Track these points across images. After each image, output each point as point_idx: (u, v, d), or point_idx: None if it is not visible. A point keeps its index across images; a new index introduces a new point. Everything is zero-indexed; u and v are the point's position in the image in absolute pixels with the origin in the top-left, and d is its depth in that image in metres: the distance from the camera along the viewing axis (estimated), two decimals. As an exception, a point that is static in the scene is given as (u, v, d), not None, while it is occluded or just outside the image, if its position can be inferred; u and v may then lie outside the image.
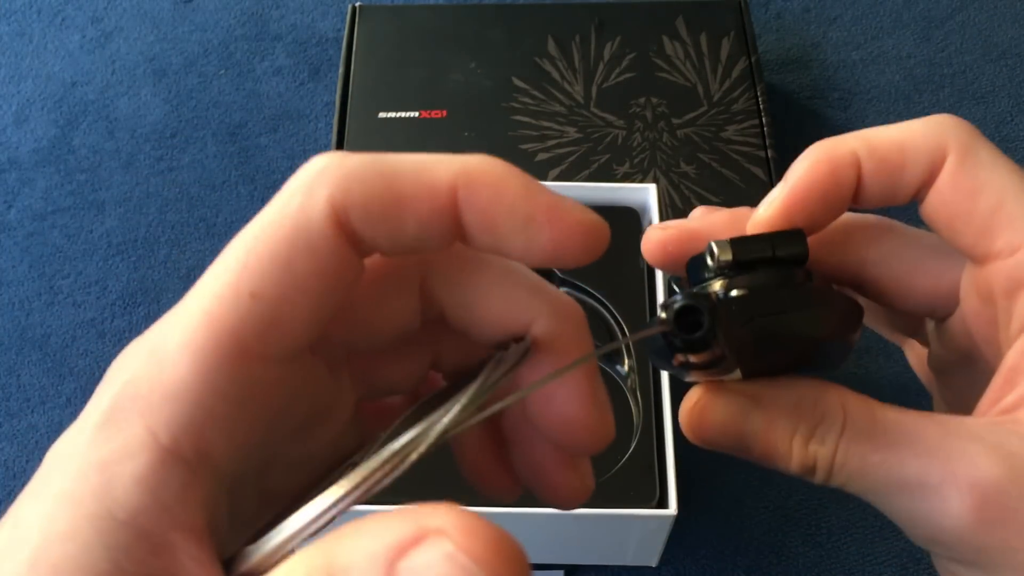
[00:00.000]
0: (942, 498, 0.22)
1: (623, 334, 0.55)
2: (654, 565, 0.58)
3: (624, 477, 0.51)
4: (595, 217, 0.20)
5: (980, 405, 0.25)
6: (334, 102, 0.74)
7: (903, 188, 0.25)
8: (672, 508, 0.48)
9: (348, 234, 0.19)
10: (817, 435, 0.24)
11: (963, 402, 0.27)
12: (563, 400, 0.22)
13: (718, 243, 0.24)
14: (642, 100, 0.73)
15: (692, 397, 0.26)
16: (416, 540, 0.16)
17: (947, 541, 0.23)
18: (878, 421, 0.24)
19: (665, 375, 0.51)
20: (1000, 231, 0.23)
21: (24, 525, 0.18)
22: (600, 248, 0.20)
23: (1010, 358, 0.24)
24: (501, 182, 0.20)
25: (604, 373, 0.56)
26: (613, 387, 0.56)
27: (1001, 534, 0.21)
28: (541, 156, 0.70)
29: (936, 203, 0.24)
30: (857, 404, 0.24)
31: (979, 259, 0.24)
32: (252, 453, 0.20)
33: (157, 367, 0.18)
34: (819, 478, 0.24)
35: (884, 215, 0.27)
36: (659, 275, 0.56)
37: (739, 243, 0.24)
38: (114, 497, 0.17)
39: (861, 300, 0.27)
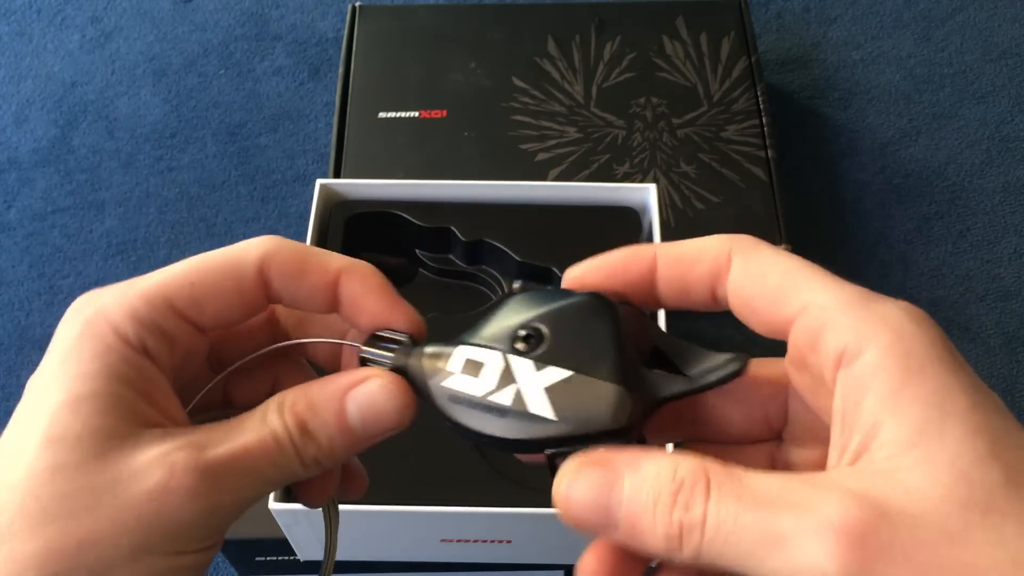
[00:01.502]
0: (821, 544, 0.21)
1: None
2: (654, 565, 0.58)
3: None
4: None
5: (830, 459, 0.25)
6: (334, 102, 0.74)
7: (696, 281, 0.28)
8: (672, 508, 0.48)
9: (265, 280, 0.29)
10: (680, 501, 0.24)
11: None
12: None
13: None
14: (642, 100, 0.73)
15: (560, 475, 0.26)
16: (362, 380, 0.28)
17: None
18: (743, 483, 0.23)
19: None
20: (789, 298, 0.26)
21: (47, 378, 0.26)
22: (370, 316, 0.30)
23: (838, 404, 0.25)
24: (370, 275, 0.29)
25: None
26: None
27: (884, 572, 0.21)
28: (541, 156, 0.70)
29: (734, 293, 0.28)
30: (719, 468, 0.24)
31: (780, 328, 0.27)
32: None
33: (130, 299, 0.27)
34: (687, 552, 0.23)
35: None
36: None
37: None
38: (115, 355, 0.26)
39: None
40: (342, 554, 0.56)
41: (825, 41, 0.86)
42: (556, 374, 0.27)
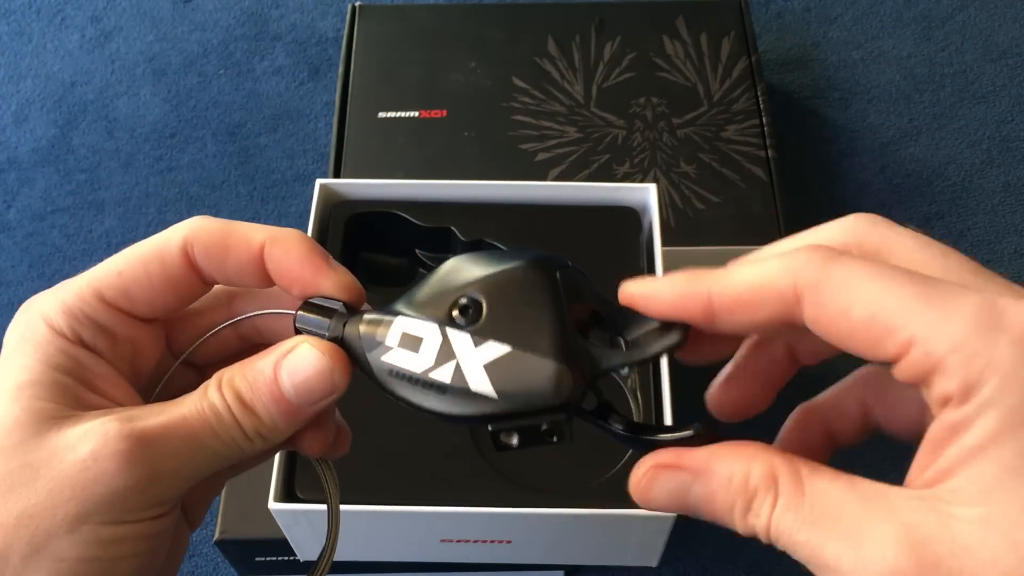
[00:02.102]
0: None
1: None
2: (654, 565, 0.58)
3: (624, 477, 0.51)
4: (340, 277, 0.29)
5: (909, 474, 0.25)
6: (334, 102, 0.74)
7: (762, 324, 0.26)
8: (672, 508, 0.48)
9: (192, 262, 0.29)
10: (753, 508, 0.25)
11: None
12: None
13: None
14: (642, 100, 0.73)
15: (638, 471, 0.28)
16: (291, 349, 0.28)
17: None
18: (805, 492, 0.24)
19: (665, 375, 0.51)
20: (886, 340, 0.24)
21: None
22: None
23: (932, 430, 0.24)
24: (295, 243, 0.29)
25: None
26: (613, 387, 0.56)
27: None
28: (541, 156, 0.70)
29: (817, 333, 0.25)
30: (787, 472, 0.25)
31: (880, 361, 0.25)
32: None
33: (62, 296, 0.28)
34: (765, 543, 0.25)
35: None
36: (659, 275, 0.56)
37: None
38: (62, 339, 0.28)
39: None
40: (342, 554, 0.56)
41: (825, 41, 0.86)
42: (495, 350, 0.27)
